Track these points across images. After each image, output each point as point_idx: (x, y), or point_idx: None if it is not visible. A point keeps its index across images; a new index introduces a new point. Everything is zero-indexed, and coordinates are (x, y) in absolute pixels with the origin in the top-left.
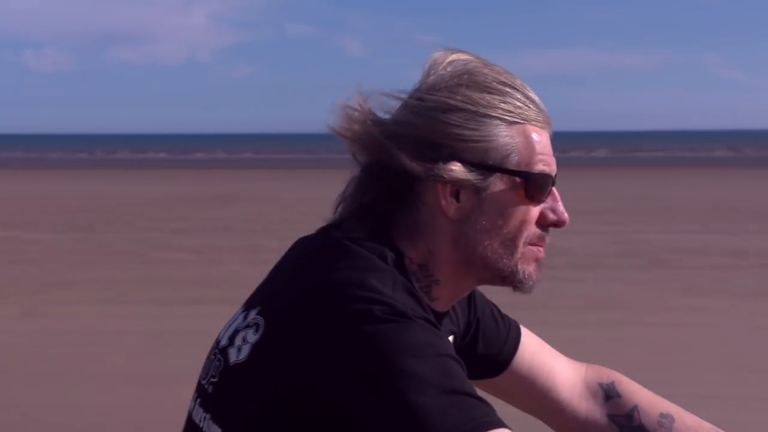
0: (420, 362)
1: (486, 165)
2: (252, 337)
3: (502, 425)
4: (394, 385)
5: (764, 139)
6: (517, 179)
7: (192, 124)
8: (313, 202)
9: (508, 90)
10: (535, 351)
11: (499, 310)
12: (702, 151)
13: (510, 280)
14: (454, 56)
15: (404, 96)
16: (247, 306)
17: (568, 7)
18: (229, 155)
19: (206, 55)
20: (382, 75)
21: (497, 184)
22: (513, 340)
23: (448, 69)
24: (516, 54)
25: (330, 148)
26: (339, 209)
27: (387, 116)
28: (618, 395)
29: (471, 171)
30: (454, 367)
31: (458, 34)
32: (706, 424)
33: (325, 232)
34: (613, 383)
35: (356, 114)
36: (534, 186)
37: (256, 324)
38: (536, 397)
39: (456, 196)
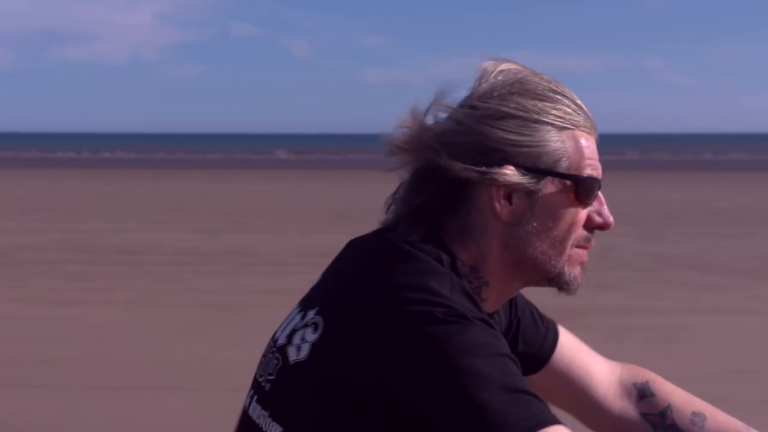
0: (479, 361)
1: (538, 169)
2: (311, 336)
3: (558, 422)
4: (455, 384)
5: (699, 142)
6: (568, 182)
7: (135, 123)
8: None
9: (558, 97)
10: (572, 350)
11: (537, 310)
12: (613, 154)
13: (556, 281)
14: (503, 66)
15: (455, 105)
16: (304, 306)
17: (512, 10)
18: (142, 155)
19: (151, 54)
20: (328, 75)
21: (548, 187)
22: (551, 339)
23: (499, 78)
24: (464, 56)
25: (256, 148)
26: (390, 211)
27: (438, 124)
28: (652, 394)
29: (524, 175)
30: (511, 365)
31: (405, 35)
32: (739, 423)
33: (379, 234)
34: (647, 382)
35: (410, 124)
36: (583, 189)
37: (315, 323)
38: (573, 394)
39: (509, 199)
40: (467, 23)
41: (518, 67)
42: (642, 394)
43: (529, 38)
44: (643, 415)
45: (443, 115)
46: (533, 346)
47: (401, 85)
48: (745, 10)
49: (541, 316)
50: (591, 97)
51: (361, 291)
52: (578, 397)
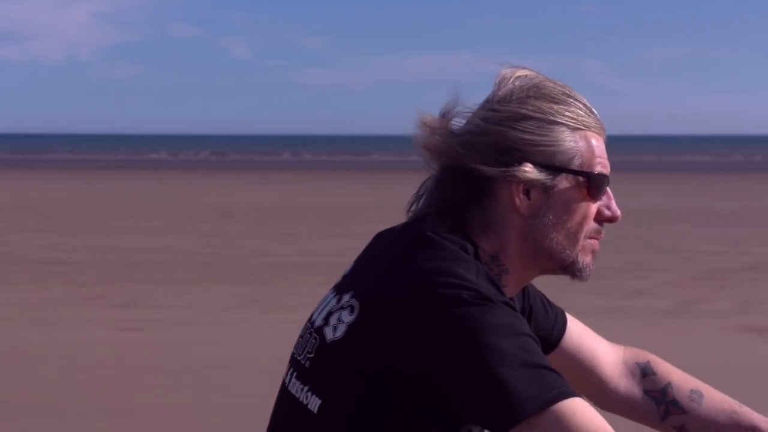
0: (504, 340)
1: (554, 166)
2: (347, 317)
3: (576, 395)
4: (483, 360)
5: (639, 144)
6: (580, 179)
7: (70, 123)
8: None
9: (571, 100)
10: (580, 334)
11: (547, 299)
12: None
13: (570, 269)
14: (520, 72)
15: (475, 109)
16: (339, 290)
17: (453, 13)
18: (76, 155)
19: (88, 54)
20: (267, 76)
21: (563, 183)
22: (560, 324)
23: (517, 83)
24: (401, 57)
25: (199, 147)
26: (415, 207)
27: (460, 125)
28: (653, 373)
29: (541, 172)
30: (532, 344)
31: (344, 37)
32: (732, 400)
33: (407, 227)
34: (648, 362)
35: (435, 127)
36: (594, 185)
37: (351, 306)
38: (582, 375)
39: (527, 194)
40: (408, 25)
41: (533, 74)
42: (644, 373)
43: (469, 41)
44: (646, 392)
45: (464, 118)
46: (544, 330)
47: (341, 86)
48: (681, 14)
49: (551, 304)
50: None
51: (394, 276)
52: (586, 377)
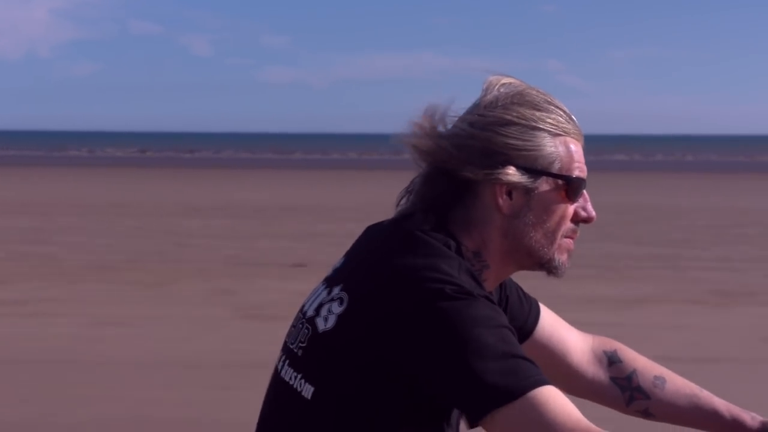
0: (484, 331)
1: (535, 170)
2: (337, 308)
3: (550, 383)
4: (465, 350)
5: (599, 143)
6: (560, 182)
7: (28, 121)
8: None
9: (553, 108)
10: (552, 324)
11: (522, 290)
12: None
13: (547, 266)
14: (505, 80)
15: (463, 113)
16: (330, 283)
17: (416, 12)
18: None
19: (46, 50)
20: (227, 74)
21: (543, 185)
22: (534, 315)
23: (502, 90)
24: (363, 56)
25: (163, 146)
26: (402, 204)
27: (448, 129)
28: (620, 361)
29: (523, 174)
30: (510, 335)
31: (307, 35)
32: (693, 385)
33: (395, 223)
34: (615, 351)
35: (425, 130)
36: (572, 188)
37: (341, 298)
38: (553, 362)
39: (509, 195)
40: (371, 24)
41: (518, 82)
42: (611, 360)
43: (431, 40)
44: (613, 378)
45: (452, 121)
46: (519, 320)
47: (302, 85)
48: (642, 15)
49: (526, 295)
50: None
51: (381, 270)
52: (557, 364)
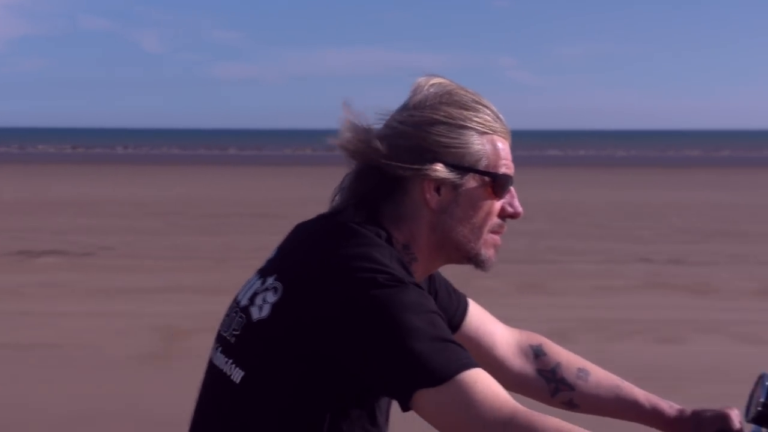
0: (415, 317)
1: (463, 167)
2: (272, 298)
3: (478, 366)
4: (396, 335)
5: (548, 139)
6: (486, 178)
7: None
8: None
9: (480, 107)
10: (479, 318)
11: (451, 285)
12: None
13: (474, 260)
14: (434, 80)
15: (392, 113)
16: (263, 274)
17: (366, 7)
18: None
19: None
20: (178, 70)
21: (470, 182)
22: (462, 309)
23: (431, 90)
24: (317, 52)
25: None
26: (336, 200)
27: (379, 128)
28: (544, 354)
29: (451, 171)
30: (440, 320)
31: (258, 30)
32: (616, 377)
33: (327, 217)
34: (540, 345)
35: (355, 129)
36: (498, 184)
37: (275, 288)
38: (480, 354)
39: (437, 191)
40: (323, 19)
41: (447, 81)
42: (536, 354)
43: (383, 36)
44: (538, 371)
45: (383, 120)
46: (448, 313)
47: (255, 81)
48: (593, 11)
49: (454, 290)
50: None
51: (315, 260)
52: (485, 357)
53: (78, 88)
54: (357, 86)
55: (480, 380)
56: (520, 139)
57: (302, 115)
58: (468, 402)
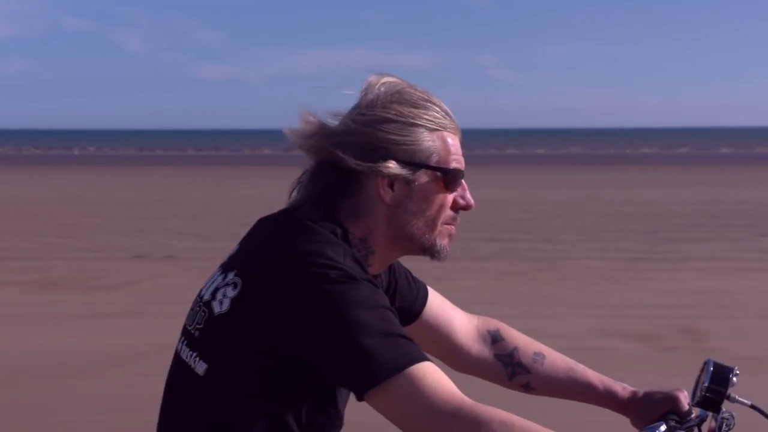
0: (366, 312)
1: (414, 163)
2: (231, 293)
3: (428, 359)
4: (347, 330)
5: (535, 137)
6: (438, 173)
7: None
8: None
9: (430, 105)
10: (439, 306)
11: (411, 274)
12: None
13: (429, 251)
14: (385, 79)
15: (346, 112)
16: (225, 269)
17: (346, 7)
18: None
19: None
20: (161, 70)
21: (423, 177)
22: (422, 297)
23: (382, 89)
24: (299, 51)
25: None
26: (293, 196)
27: (333, 126)
28: (502, 339)
29: (403, 167)
30: (390, 316)
31: (240, 31)
32: (571, 360)
33: (286, 213)
34: (498, 330)
35: (310, 127)
36: (450, 179)
37: (234, 283)
38: (440, 340)
39: (391, 186)
40: (306, 19)
41: (397, 80)
42: (494, 339)
43: (364, 35)
44: (496, 356)
45: (337, 120)
46: (408, 302)
47: (237, 81)
48: (573, 9)
49: (414, 279)
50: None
51: (272, 256)
52: (444, 343)
53: (61, 89)
54: (339, 86)
55: (429, 373)
56: (500, 137)
57: (284, 114)
58: (417, 394)
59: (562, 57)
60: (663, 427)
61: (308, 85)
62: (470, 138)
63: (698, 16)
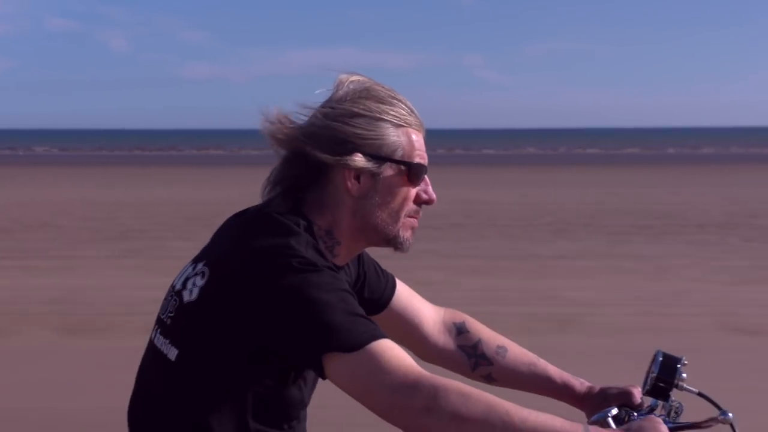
0: (327, 294)
1: (380, 156)
2: (200, 282)
3: (386, 337)
4: (310, 310)
5: (523, 137)
6: (402, 167)
7: None
8: None
9: (396, 102)
10: (406, 297)
11: (380, 266)
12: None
13: (393, 242)
14: (354, 77)
15: (317, 106)
16: (195, 260)
17: (332, 6)
18: None
19: None
20: (146, 70)
21: (388, 170)
22: (390, 288)
23: (351, 86)
24: (285, 51)
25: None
26: (267, 190)
27: (303, 121)
28: (467, 331)
29: (369, 161)
30: (350, 298)
31: (224, 31)
32: (532, 355)
33: (257, 207)
34: (463, 322)
35: (280, 121)
36: (413, 173)
37: (203, 272)
38: (407, 330)
39: (358, 179)
40: (292, 19)
41: (365, 79)
42: (459, 330)
43: (350, 35)
44: (460, 347)
45: (307, 114)
46: (376, 293)
47: (222, 81)
48: (559, 10)
49: (383, 271)
50: (411, 94)
51: (239, 248)
52: (411, 333)
53: (44, 89)
54: (324, 86)
55: (388, 349)
56: (491, 138)
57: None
58: (377, 368)
59: (548, 57)
60: (614, 411)
61: (293, 84)
62: (460, 138)
63: (683, 16)
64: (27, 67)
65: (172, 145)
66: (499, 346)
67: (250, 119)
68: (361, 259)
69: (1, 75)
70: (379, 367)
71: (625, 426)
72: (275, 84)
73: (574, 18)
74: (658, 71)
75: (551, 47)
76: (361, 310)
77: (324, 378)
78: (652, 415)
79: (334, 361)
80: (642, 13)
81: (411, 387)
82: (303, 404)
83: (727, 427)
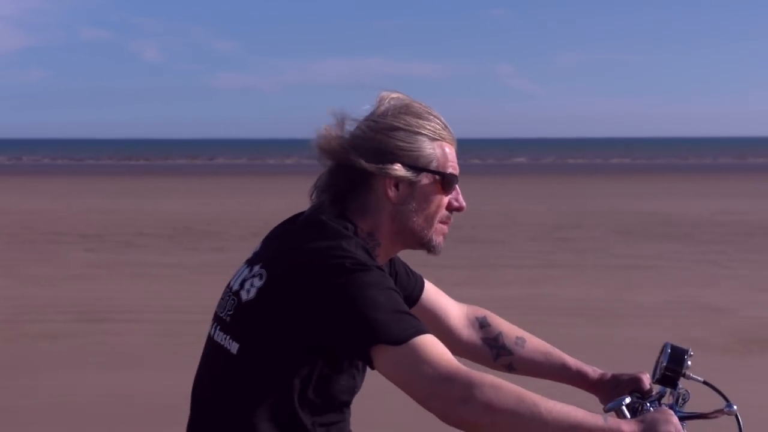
0: (377, 293)
1: (417, 167)
2: (258, 283)
3: (429, 332)
4: (362, 307)
5: (549, 147)
6: (436, 177)
7: None
8: None
9: (432, 117)
10: (434, 294)
11: (409, 267)
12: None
13: (427, 245)
14: (394, 95)
15: (362, 120)
16: (251, 263)
17: (364, 17)
18: None
19: None
20: (179, 80)
21: (424, 180)
22: (419, 287)
23: (392, 102)
24: (314, 62)
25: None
26: (314, 195)
27: (349, 132)
28: (488, 324)
29: (408, 170)
30: (398, 296)
31: (256, 41)
32: (548, 345)
33: (308, 213)
34: (485, 317)
35: (330, 133)
36: (446, 182)
37: (260, 274)
38: (435, 325)
39: (396, 187)
40: (321, 29)
41: (404, 96)
42: (482, 324)
43: (378, 44)
44: (483, 339)
45: (352, 127)
46: (407, 290)
47: (254, 90)
48: (589, 20)
49: (412, 271)
50: (442, 103)
51: (296, 251)
52: (438, 327)
53: (80, 99)
54: (353, 96)
55: (430, 344)
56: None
57: (302, 123)
58: (419, 360)
59: (579, 66)
60: (627, 399)
61: (323, 94)
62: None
63: (713, 25)
64: (60, 76)
65: (212, 156)
66: (517, 338)
67: (286, 128)
68: (392, 261)
69: (37, 85)
70: (421, 360)
71: (640, 417)
72: (306, 93)
73: (605, 28)
74: (687, 80)
75: (582, 57)
76: (405, 307)
77: (372, 368)
78: (664, 407)
79: (382, 354)
80: (672, 22)
81: (449, 379)
82: (355, 390)
83: (732, 418)
